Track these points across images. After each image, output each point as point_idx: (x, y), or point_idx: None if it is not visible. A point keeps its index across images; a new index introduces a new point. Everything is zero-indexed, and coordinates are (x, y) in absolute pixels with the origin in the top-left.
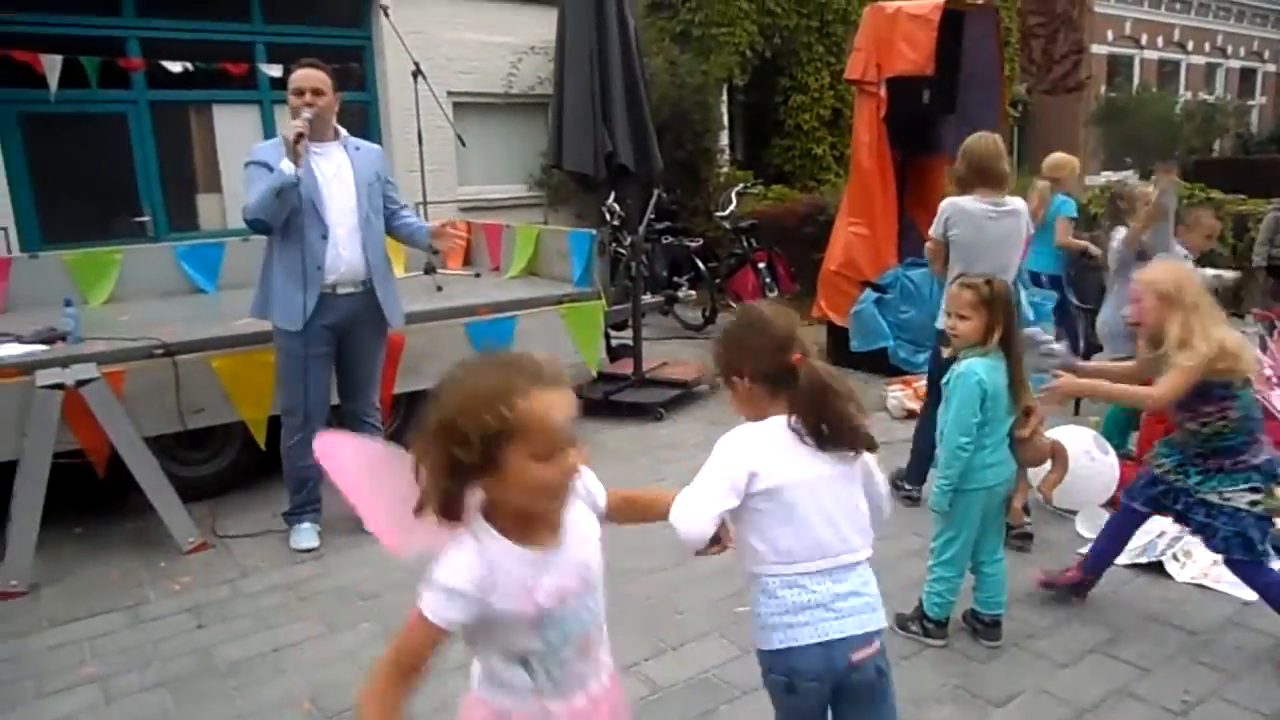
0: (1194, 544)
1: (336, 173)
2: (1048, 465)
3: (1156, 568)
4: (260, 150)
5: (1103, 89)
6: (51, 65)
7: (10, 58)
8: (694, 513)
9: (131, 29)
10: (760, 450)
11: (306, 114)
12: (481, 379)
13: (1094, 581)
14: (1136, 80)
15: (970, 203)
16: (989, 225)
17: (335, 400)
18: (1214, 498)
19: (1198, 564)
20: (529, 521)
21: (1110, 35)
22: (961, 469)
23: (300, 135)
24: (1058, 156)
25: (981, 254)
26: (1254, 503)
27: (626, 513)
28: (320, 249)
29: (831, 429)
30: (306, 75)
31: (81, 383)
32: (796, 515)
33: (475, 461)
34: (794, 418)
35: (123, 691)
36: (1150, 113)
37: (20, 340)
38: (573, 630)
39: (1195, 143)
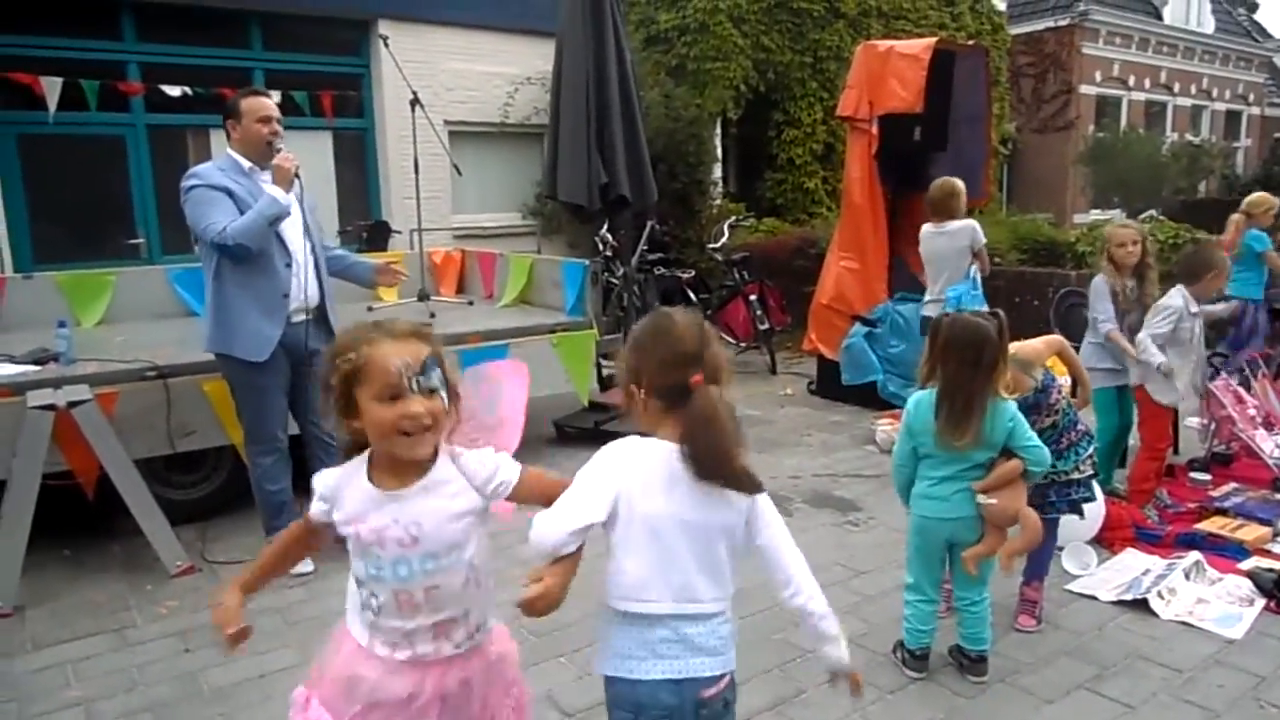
0: (1178, 581)
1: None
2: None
3: (1141, 605)
4: (206, 174)
5: (1091, 128)
6: (51, 87)
7: (10, 79)
8: (552, 522)
9: (132, 53)
10: (631, 471)
11: (281, 143)
12: (348, 332)
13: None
14: (1124, 121)
15: (927, 226)
16: (930, 241)
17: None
18: (1075, 473)
19: (1182, 602)
20: (389, 463)
21: (1098, 76)
22: (901, 483)
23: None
24: (1259, 195)
25: (928, 262)
26: (1091, 466)
27: (527, 492)
28: (286, 278)
29: (710, 464)
30: (270, 105)
31: (73, 404)
32: (653, 549)
33: (340, 401)
34: (680, 444)
35: (107, 715)
36: (1137, 153)
37: (12, 360)
38: (387, 578)
39: (1181, 183)
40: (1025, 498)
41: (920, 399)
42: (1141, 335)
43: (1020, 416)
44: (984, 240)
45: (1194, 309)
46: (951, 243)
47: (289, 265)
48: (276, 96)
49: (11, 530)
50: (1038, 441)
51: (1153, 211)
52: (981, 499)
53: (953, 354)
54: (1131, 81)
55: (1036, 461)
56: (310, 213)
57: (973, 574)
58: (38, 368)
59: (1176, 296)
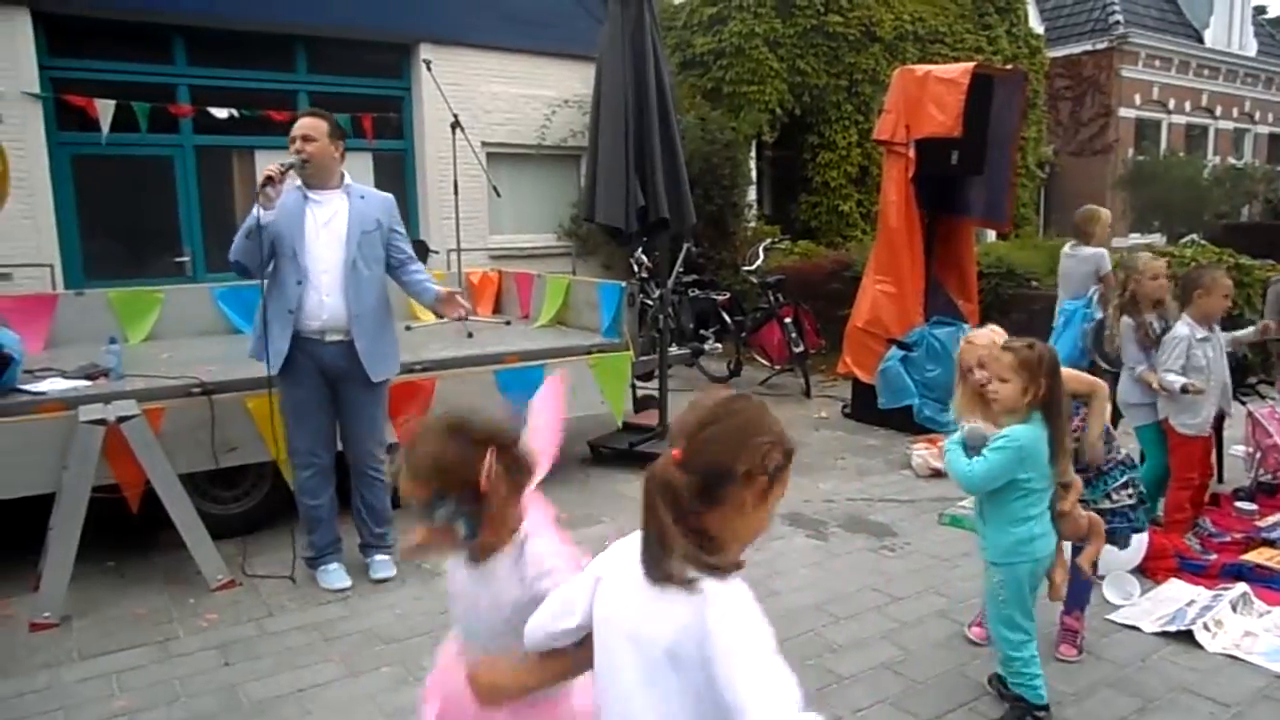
0: (1225, 613)
1: (329, 220)
2: None
3: (1186, 637)
4: None
5: (1130, 152)
6: (104, 109)
7: (66, 101)
8: (535, 618)
9: (182, 77)
10: (609, 564)
11: (290, 159)
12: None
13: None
14: (1164, 144)
15: (1066, 246)
16: (1063, 261)
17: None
18: (1106, 503)
19: (1229, 634)
20: None
21: (1138, 99)
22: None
23: (269, 179)
24: None
25: (1059, 279)
26: (1131, 495)
27: None
28: (295, 294)
29: (647, 552)
30: (300, 123)
31: (122, 419)
32: (600, 666)
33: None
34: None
35: None
36: (1178, 176)
37: (64, 375)
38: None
39: (1224, 207)
40: None
41: (1039, 434)
42: (1161, 375)
43: None
44: (1109, 268)
45: (1200, 334)
46: (1079, 266)
47: (299, 282)
48: None
49: (61, 541)
50: None
51: (1194, 235)
52: (1079, 513)
53: (1057, 381)
54: (1172, 104)
55: None
56: (366, 232)
57: (1063, 598)
58: (88, 383)
59: (1181, 326)
